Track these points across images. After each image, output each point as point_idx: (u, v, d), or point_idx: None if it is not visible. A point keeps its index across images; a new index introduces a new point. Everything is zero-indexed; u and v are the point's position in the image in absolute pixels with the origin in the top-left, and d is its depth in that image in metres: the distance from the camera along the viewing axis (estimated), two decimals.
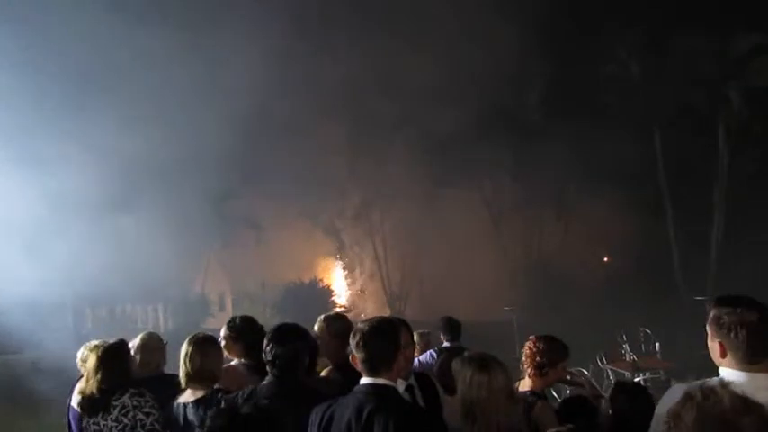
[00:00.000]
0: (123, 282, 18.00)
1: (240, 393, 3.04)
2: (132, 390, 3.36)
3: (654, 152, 22.25)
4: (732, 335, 2.30)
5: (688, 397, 1.32)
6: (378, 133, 21.56)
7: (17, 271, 14.02)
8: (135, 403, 3.31)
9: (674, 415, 1.31)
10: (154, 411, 3.34)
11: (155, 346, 4.14)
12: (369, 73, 20.66)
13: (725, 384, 1.34)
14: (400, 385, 3.09)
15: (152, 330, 4.40)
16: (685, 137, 20.47)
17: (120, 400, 3.32)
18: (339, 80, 20.65)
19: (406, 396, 2.98)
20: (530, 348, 3.54)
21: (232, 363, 3.92)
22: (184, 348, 3.41)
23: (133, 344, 4.10)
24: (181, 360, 3.41)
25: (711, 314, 2.39)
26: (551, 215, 24.55)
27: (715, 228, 21.39)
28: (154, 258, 18.08)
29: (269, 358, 3.02)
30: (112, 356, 3.42)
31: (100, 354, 3.42)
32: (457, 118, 20.25)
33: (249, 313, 4.38)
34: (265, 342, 3.07)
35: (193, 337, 3.49)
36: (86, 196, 16.49)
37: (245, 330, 3.91)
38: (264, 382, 3.09)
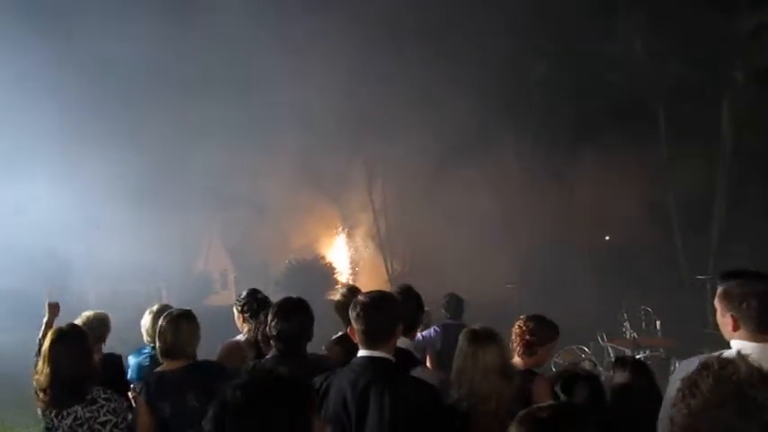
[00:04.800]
0: (126, 259, 18.10)
1: (243, 368, 3.06)
2: (86, 397, 3.11)
3: (657, 130, 22.12)
4: (744, 306, 2.32)
5: (704, 366, 1.33)
6: (384, 110, 21.47)
7: (20, 250, 14.12)
8: (88, 414, 3.09)
9: (691, 383, 1.32)
10: (111, 417, 3.12)
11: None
12: (376, 54, 20.56)
13: (742, 356, 1.36)
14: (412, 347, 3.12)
15: (161, 303, 4.42)
16: (688, 115, 20.32)
17: (73, 409, 3.09)
18: (346, 62, 20.56)
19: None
20: (519, 327, 3.52)
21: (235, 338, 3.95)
22: (159, 324, 3.37)
23: (150, 310, 4.19)
24: (156, 335, 3.38)
25: (720, 289, 2.41)
26: (554, 194, 24.49)
27: (717, 206, 21.33)
28: (156, 236, 18.16)
29: (273, 333, 3.03)
30: (64, 347, 3.15)
31: (51, 345, 3.15)
32: (462, 96, 20.14)
33: None
34: (270, 317, 3.08)
35: (168, 313, 3.43)
36: (90, 178, 16.53)
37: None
38: (268, 357, 3.11)
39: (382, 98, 20.85)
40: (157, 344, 3.35)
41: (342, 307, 3.70)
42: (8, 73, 13.87)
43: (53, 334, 3.22)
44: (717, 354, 1.41)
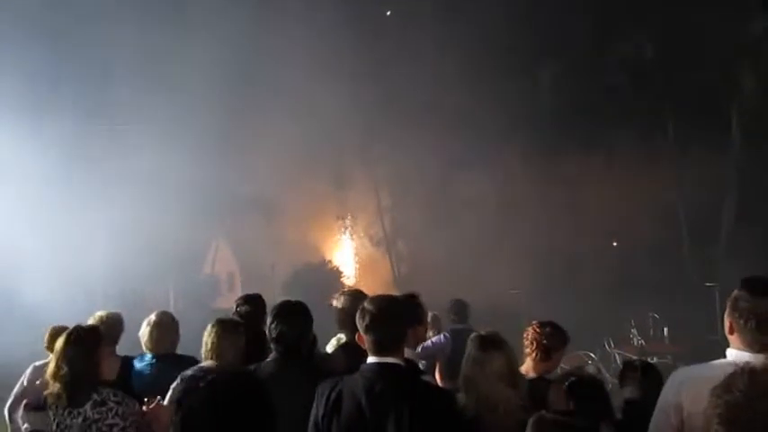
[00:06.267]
0: (134, 261, 18.17)
1: (243, 371, 3.06)
2: (95, 398, 3.12)
3: (666, 136, 22.03)
4: (742, 322, 2.36)
5: (737, 371, 1.47)
6: (390, 113, 21.49)
7: (28, 248, 14.16)
8: (96, 416, 3.09)
9: (724, 385, 1.43)
10: (119, 421, 3.11)
11: (168, 323, 4.16)
12: (382, 57, 20.60)
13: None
14: (410, 354, 3.13)
15: (163, 310, 4.41)
16: (697, 120, 20.22)
17: (83, 409, 3.11)
18: (354, 66, 20.61)
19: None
20: (535, 332, 3.54)
21: None
22: (207, 330, 3.51)
23: (148, 320, 4.16)
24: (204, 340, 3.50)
25: (735, 293, 2.44)
26: (561, 198, 24.40)
27: (725, 213, 21.19)
28: (165, 238, 18.22)
29: (273, 336, 3.03)
30: (80, 344, 3.19)
31: (66, 343, 3.20)
32: (468, 100, 20.14)
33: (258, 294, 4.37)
34: (269, 320, 3.08)
35: (216, 320, 3.56)
36: (98, 176, 16.63)
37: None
38: (269, 360, 3.10)
39: (388, 101, 20.88)
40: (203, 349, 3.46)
41: (342, 315, 3.71)
42: None
43: (70, 334, 3.24)
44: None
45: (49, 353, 4.49)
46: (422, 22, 20.79)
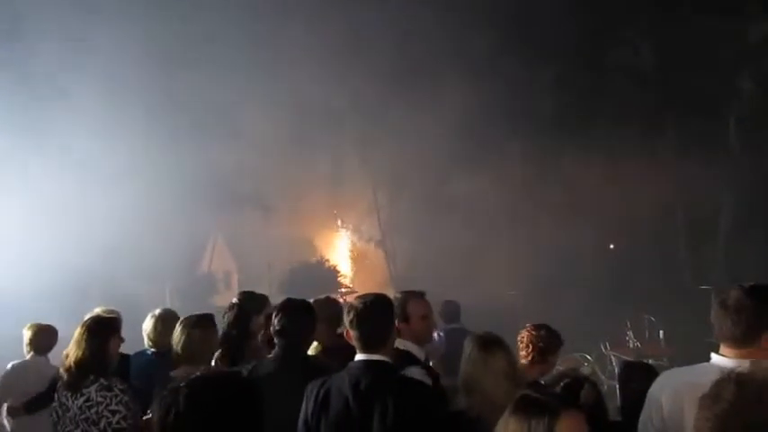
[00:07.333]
0: (131, 259, 18.14)
1: (232, 371, 3.07)
2: (102, 381, 3.17)
3: (665, 139, 22.07)
4: (725, 321, 2.38)
5: (723, 379, 1.45)
6: (389, 112, 21.49)
7: (21, 245, 14.11)
8: (100, 399, 3.12)
9: (713, 395, 1.42)
10: (121, 409, 3.13)
11: (172, 319, 4.15)
12: (380, 55, 20.57)
13: (756, 368, 1.53)
14: (419, 352, 3.15)
15: (163, 308, 4.45)
16: (696, 123, 20.27)
17: (87, 390, 3.15)
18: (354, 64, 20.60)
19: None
20: (530, 334, 3.57)
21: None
22: (174, 330, 3.54)
23: (153, 314, 4.22)
24: (173, 341, 3.52)
25: (726, 295, 2.45)
26: (558, 200, 24.43)
27: (723, 216, 21.24)
28: (161, 236, 18.19)
29: (276, 329, 3.08)
30: (95, 333, 3.28)
31: (85, 327, 3.29)
32: (468, 99, 20.15)
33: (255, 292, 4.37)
34: (274, 314, 3.14)
35: (184, 318, 3.59)
36: (94, 172, 16.59)
37: None
38: (270, 356, 3.15)
39: (387, 99, 20.87)
40: (173, 350, 3.49)
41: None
42: None
43: (87, 321, 3.35)
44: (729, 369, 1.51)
45: (29, 350, 4.49)
46: (421, 21, 20.77)
